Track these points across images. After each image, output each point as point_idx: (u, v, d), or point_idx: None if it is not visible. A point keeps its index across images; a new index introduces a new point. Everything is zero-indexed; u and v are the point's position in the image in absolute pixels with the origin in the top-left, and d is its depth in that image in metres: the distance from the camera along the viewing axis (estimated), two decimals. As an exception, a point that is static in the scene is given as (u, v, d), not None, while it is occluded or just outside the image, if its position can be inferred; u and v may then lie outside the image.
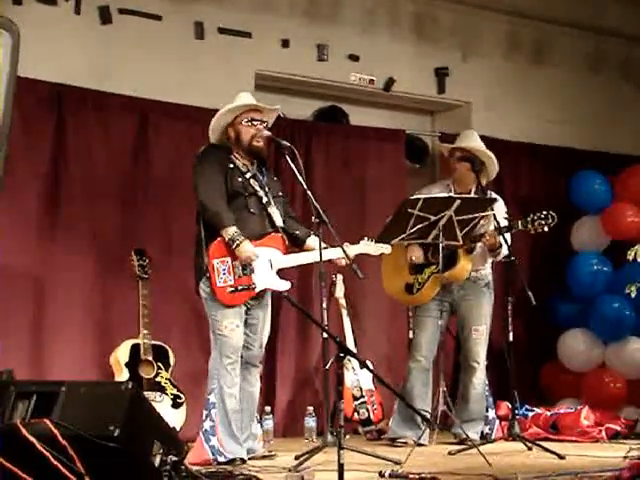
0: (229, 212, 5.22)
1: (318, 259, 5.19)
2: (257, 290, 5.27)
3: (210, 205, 5.20)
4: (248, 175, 5.37)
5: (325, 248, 5.18)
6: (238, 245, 5.14)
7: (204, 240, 5.25)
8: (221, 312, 5.24)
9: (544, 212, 5.85)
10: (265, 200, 5.37)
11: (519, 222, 5.93)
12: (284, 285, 5.35)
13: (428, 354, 6.30)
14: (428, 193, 6.14)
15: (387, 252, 5.60)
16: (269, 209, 5.38)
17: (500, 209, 6.15)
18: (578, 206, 7.97)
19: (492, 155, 6.27)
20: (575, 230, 8.04)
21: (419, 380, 6.28)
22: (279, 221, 5.41)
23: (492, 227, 5.98)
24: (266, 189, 5.41)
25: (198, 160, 5.37)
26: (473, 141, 6.34)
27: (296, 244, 5.54)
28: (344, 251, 5.24)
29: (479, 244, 6.07)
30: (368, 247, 5.51)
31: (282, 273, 5.44)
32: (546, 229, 5.88)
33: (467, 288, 6.29)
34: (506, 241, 5.92)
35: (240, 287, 5.20)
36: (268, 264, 5.30)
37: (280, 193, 5.56)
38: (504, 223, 5.97)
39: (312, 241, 5.47)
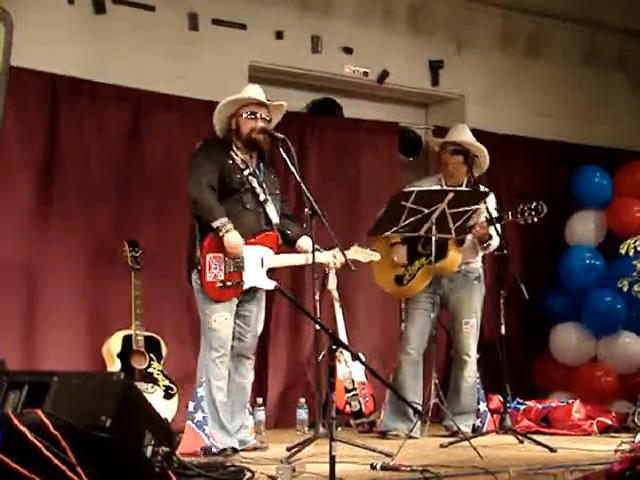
0: (220, 207, 5.20)
1: (309, 261, 5.20)
2: (245, 287, 5.26)
3: (200, 199, 5.18)
4: (247, 172, 5.35)
5: (317, 250, 5.18)
6: (224, 234, 5.12)
7: (198, 233, 5.24)
8: (211, 305, 5.24)
9: (534, 203, 5.85)
10: (262, 197, 5.36)
11: (509, 213, 5.93)
12: (271, 284, 5.31)
13: (419, 347, 6.31)
14: (419, 187, 6.13)
15: (376, 260, 5.61)
16: (266, 206, 5.37)
17: (491, 202, 6.16)
18: (578, 200, 7.96)
19: (483, 148, 6.27)
20: (572, 224, 8.03)
21: (410, 372, 6.29)
22: (275, 219, 5.40)
23: (482, 219, 5.99)
24: (264, 186, 5.39)
25: (194, 154, 5.36)
26: (464, 135, 6.33)
27: (287, 243, 5.53)
28: (341, 250, 5.25)
29: (469, 236, 6.08)
30: (358, 254, 5.51)
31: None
32: (536, 220, 5.87)
33: (458, 281, 6.30)
34: (498, 233, 5.92)
35: (229, 283, 5.19)
36: (259, 262, 5.30)
37: (277, 190, 5.54)
38: (495, 214, 5.98)
39: (303, 242, 5.47)
